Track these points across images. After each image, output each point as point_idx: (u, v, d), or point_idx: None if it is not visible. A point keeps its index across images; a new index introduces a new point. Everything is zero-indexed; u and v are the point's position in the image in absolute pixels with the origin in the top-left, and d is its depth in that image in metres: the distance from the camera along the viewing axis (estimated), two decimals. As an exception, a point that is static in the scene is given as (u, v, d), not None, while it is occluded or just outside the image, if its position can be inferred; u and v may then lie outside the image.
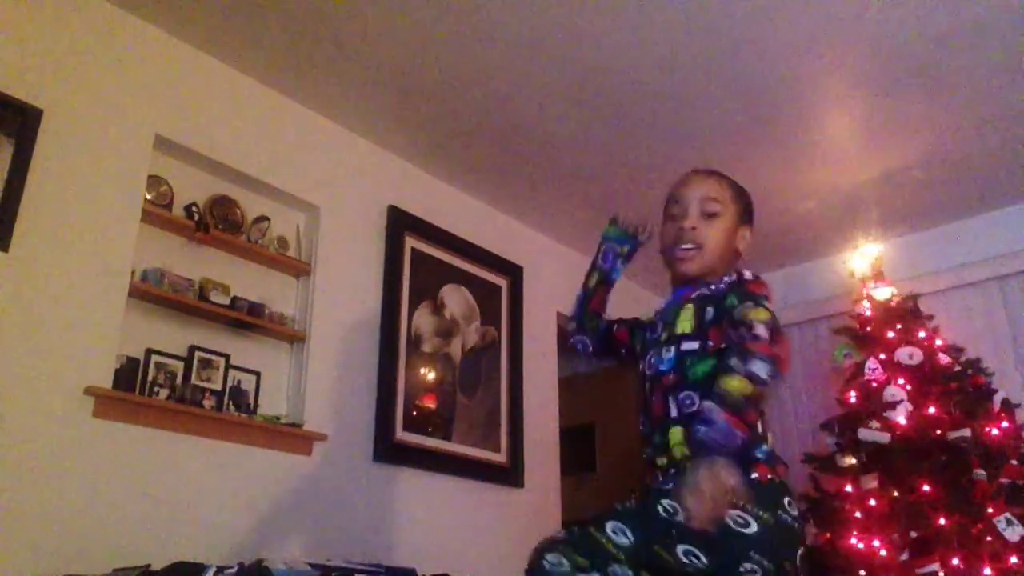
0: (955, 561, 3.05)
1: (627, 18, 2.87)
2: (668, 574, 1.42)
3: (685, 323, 1.62)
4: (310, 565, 2.50)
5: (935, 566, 3.06)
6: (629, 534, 1.43)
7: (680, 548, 1.40)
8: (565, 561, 1.40)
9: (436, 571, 3.06)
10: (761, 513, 1.40)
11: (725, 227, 1.70)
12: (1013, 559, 3.02)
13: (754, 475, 1.44)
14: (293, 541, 2.89)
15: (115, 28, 2.85)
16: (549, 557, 1.41)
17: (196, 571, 2.17)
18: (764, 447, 1.50)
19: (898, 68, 3.13)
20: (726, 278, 1.62)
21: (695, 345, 1.58)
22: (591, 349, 2.00)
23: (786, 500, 1.45)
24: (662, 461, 1.59)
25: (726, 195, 1.72)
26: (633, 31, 2.94)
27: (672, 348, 1.62)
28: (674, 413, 1.57)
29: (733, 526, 1.38)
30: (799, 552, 1.44)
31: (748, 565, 1.37)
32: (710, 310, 1.59)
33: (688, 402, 1.55)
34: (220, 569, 2.17)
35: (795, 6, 2.81)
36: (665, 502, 1.46)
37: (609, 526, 1.45)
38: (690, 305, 1.63)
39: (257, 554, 2.64)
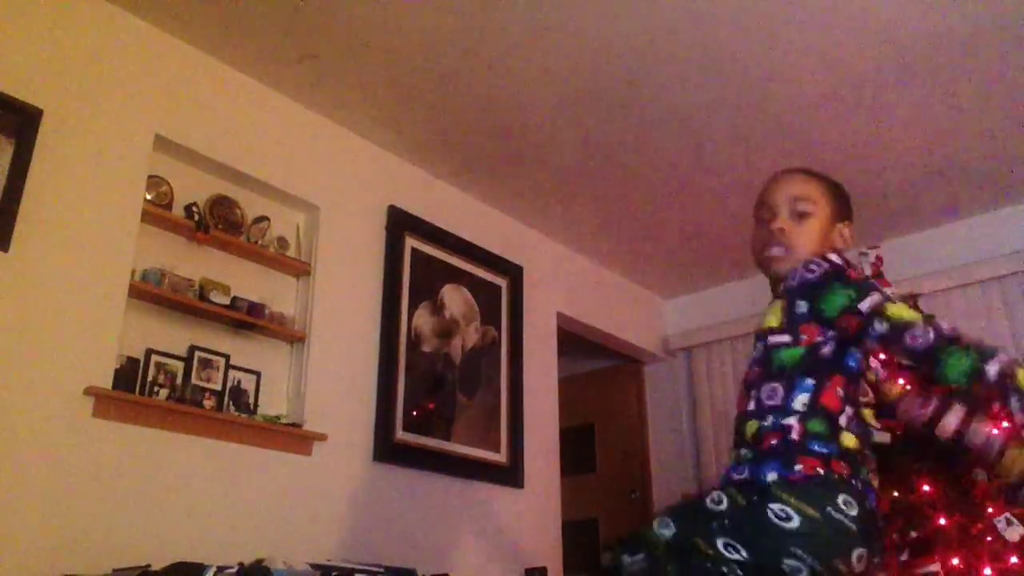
0: (955, 561, 3.05)
1: (628, 19, 2.87)
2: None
3: (772, 318, 1.53)
4: (310, 565, 2.51)
5: (935, 566, 3.05)
6: (672, 524, 1.44)
7: (720, 540, 1.38)
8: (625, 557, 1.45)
9: (436, 571, 3.07)
10: (805, 508, 1.34)
11: (818, 227, 1.62)
12: (1013, 559, 3.02)
13: (797, 467, 1.39)
14: (293, 541, 2.89)
15: (115, 28, 2.85)
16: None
17: (196, 571, 2.18)
18: (824, 444, 1.42)
19: (899, 67, 3.13)
20: (812, 266, 1.51)
21: (785, 338, 1.50)
22: None
23: (840, 498, 1.36)
24: (734, 454, 1.56)
25: (817, 193, 1.65)
26: (634, 32, 2.94)
27: (760, 344, 1.55)
28: (751, 407, 1.51)
29: (773, 519, 1.35)
30: (857, 553, 1.35)
31: (790, 561, 1.33)
32: (801, 304, 1.50)
33: (769, 394, 1.49)
34: (220, 569, 2.18)
35: (796, 6, 2.81)
36: (715, 493, 1.45)
37: (656, 520, 1.47)
38: (778, 300, 1.55)
39: (257, 554, 2.64)
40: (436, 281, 3.79)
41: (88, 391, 2.50)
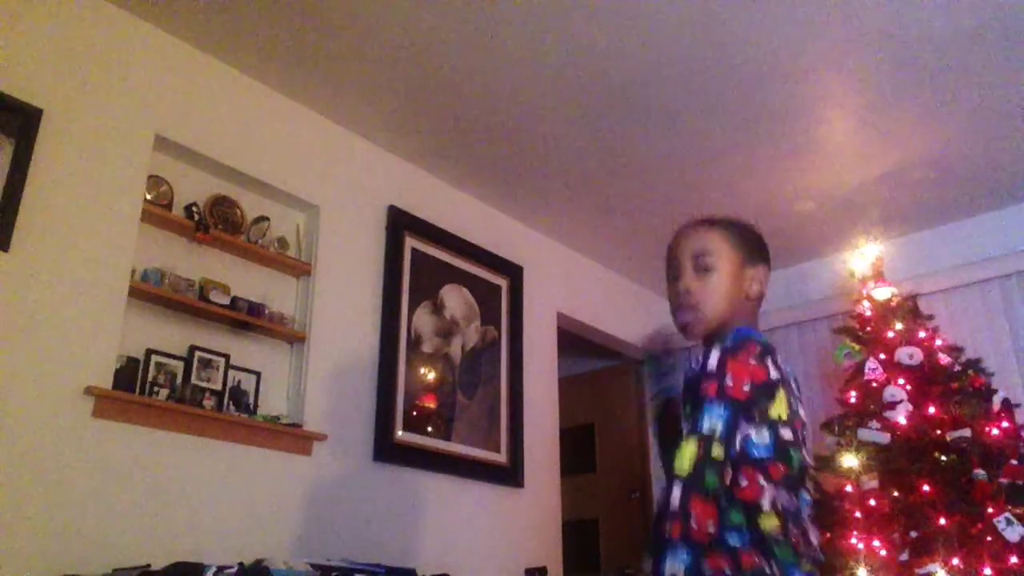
0: (955, 561, 3.04)
1: (627, 19, 2.87)
2: None
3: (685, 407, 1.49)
4: (310, 565, 2.51)
5: (935, 566, 3.05)
6: None
7: None
8: None
9: (436, 571, 3.07)
10: None
11: (725, 278, 1.55)
12: (1013, 559, 3.02)
13: (706, 568, 1.33)
14: (293, 541, 2.89)
15: (115, 28, 2.85)
16: None
17: (196, 571, 2.18)
18: (738, 535, 1.36)
19: (898, 68, 3.13)
20: (691, 362, 1.47)
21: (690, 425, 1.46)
22: None
23: None
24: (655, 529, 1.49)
25: (719, 243, 1.58)
26: (633, 32, 2.94)
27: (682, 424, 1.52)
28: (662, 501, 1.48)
29: None
30: None
31: None
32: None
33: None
34: (220, 569, 2.18)
35: (795, 7, 2.81)
36: None
37: None
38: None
39: (257, 554, 2.64)
40: (436, 281, 3.79)
41: (88, 391, 2.50)
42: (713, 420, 1.36)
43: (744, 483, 1.39)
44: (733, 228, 1.62)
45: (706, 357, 1.43)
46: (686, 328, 1.56)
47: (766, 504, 1.38)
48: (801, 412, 1.52)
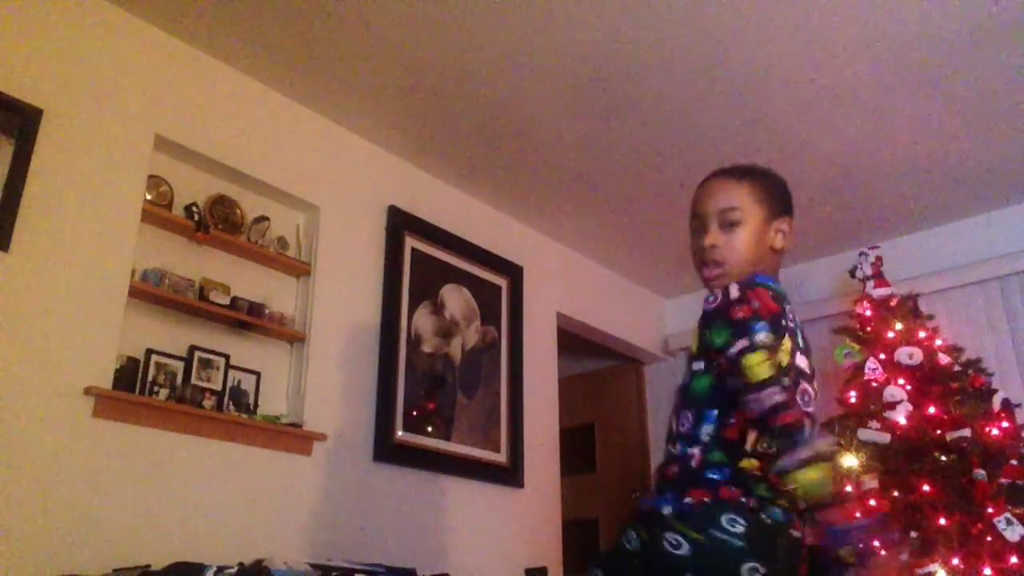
0: (955, 561, 3.05)
1: (627, 19, 2.87)
2: None
3: (693, 342, 1.54)
4: (310, 565, 2.51)
5: (935, 566, 3.06)
6: (600, 573, 1.57)
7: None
8: None
9: (436, 571, 3.07)
10: (690, 533, 1.38)
11: (750, 233, 1.57)
12: (1013, 559, 3.02)
13: (687, 500, 1.42)
14: (293, 541, 2.89)
15: (115, 28, 2.85)
16: None
17: (196, 571, 2.18)
18: (719, 471, 1.43)
19: (898, 68, 3.13)
20: (710, 297, 1.50)
21: (700, 366, 1.51)
22: None
23: (724, 518, 1.37)
24: (665, 471, 1.57)
25: (745, 198, 1.58)
26: (633, 32, 2.94)
27: (688, 366, 1.57)
28: (674, 429, 1.55)
29: (668, 548, 1.38)
30: (747, 567, 1.34)
31: None
32: (706, 332, 1.50)
33: (685, 423, 1.51)
34: (220, 569, 2.18)
35: (794, 6, 2.81)
36: (628, 532, 1.53)
37: (589, 572, 1.59)
38: (696, 326, 1.55)
39: (257, 554, 2.64)
40: (436, 281, 3.79)
41: (88, 391, 2.50)
42: (763, 333, 1.39)
43: (732, 422, 1.45)
44: (758, 182, 1.61)
45: (726, 290, 1.46)
46: (711, 283, 1.58)
47: (748, 446, 1.44)
48: (802, 362, 1.54)
